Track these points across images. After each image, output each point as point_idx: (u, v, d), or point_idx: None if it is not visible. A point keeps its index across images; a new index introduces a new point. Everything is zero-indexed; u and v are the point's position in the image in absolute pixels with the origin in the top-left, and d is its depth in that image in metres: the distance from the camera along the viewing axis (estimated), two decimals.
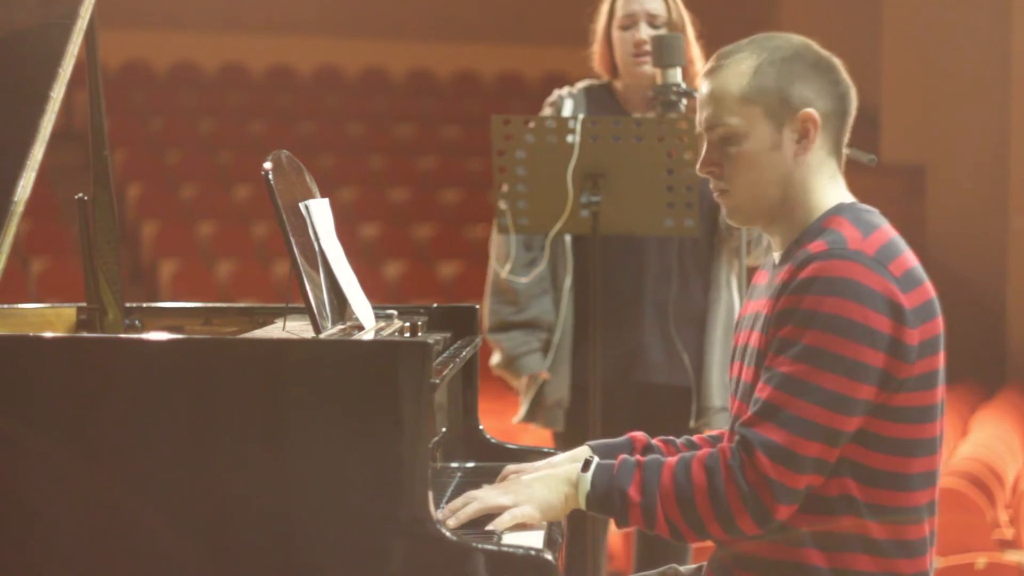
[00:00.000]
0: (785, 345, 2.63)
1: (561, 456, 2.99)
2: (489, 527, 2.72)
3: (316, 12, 15.33)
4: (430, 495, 2.63)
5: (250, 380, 2.66)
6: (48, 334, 3.35)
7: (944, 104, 12.63)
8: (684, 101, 4.28)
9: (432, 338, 2.87)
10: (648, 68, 4.45)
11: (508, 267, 4.53)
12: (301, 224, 2.96)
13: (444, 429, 3.16)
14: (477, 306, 3.56)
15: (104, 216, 3.45)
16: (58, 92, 3.09)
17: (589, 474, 2.71)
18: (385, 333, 3.06)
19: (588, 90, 4.61)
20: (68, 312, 3.52)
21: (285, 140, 12.76)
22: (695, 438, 2.98)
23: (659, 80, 4.29)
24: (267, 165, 2.88)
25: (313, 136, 14.21)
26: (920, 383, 2.66)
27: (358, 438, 2.62)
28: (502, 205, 4.34)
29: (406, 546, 2.61)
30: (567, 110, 4.53)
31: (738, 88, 2.74)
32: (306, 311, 2.85)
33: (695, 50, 4.50)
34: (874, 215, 2.76)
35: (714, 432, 3.04)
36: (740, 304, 4.32)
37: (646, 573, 3.00)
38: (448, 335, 3.35)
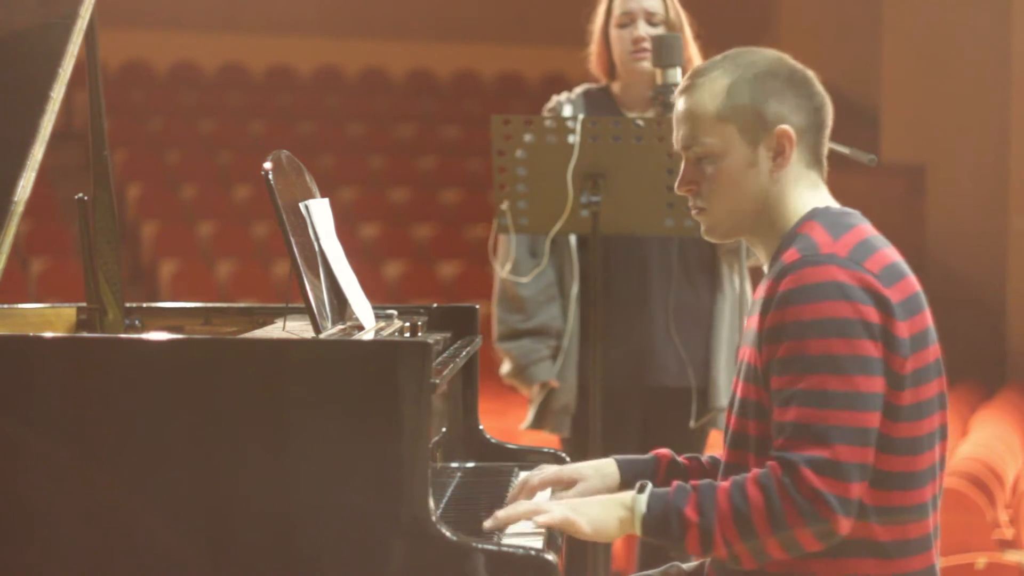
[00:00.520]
0: (790, 363, 2.62)
1: (584, 464, 2.97)
2: (533, 518, 2.70)
3: (316, 12, 15.32)
4: (430, 495, 2.63)
5: (250, 380, 2.66)
6: (48, 334, 3.35)
7: (944, 104, 12.62)
8: None
9: (432, 338, 2.87)
10: (647, 65, 4.46)
11: (508, 267, 4.53)
12: (301, 224, 2.96)
13: (444, 429, 3.16)
14: (477, 306, 3.56)
15: (104, 216, 3.45)
16: (58, 92, 3.09)
17: (645, 496, 2.68)
18: (385, 333, 3.06)
19: (586, 94, 4.62)
20: (68, 312, 3.52)
21: (285, 140, 12.76)
22: (718, 455, 2.96)
23: (659, 80, 4.29)
24: (267, 165, 2.89)
25: (313, 136, 14.20)
26: (916, 378, 2.66)
27: (358, 438, 2.62)
28: (502, 205, 4.34)
29: (406, 546, 2.61)
30: (566, 115, 4.53)
31: (713, 107, 2.75)
32: (306, 311, 2.86)
33: (693, 49, 4.50)
34: (851, 216, 2.76)
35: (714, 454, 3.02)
36: (748, 303, 4.31)
37: (648, 572, 3.00)
38: (448, 335, 3.35)
